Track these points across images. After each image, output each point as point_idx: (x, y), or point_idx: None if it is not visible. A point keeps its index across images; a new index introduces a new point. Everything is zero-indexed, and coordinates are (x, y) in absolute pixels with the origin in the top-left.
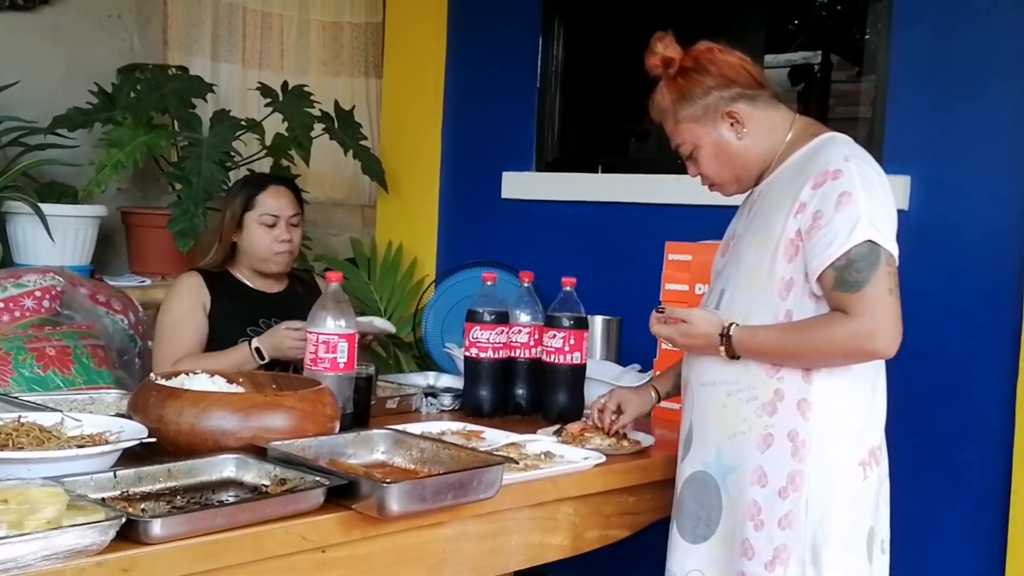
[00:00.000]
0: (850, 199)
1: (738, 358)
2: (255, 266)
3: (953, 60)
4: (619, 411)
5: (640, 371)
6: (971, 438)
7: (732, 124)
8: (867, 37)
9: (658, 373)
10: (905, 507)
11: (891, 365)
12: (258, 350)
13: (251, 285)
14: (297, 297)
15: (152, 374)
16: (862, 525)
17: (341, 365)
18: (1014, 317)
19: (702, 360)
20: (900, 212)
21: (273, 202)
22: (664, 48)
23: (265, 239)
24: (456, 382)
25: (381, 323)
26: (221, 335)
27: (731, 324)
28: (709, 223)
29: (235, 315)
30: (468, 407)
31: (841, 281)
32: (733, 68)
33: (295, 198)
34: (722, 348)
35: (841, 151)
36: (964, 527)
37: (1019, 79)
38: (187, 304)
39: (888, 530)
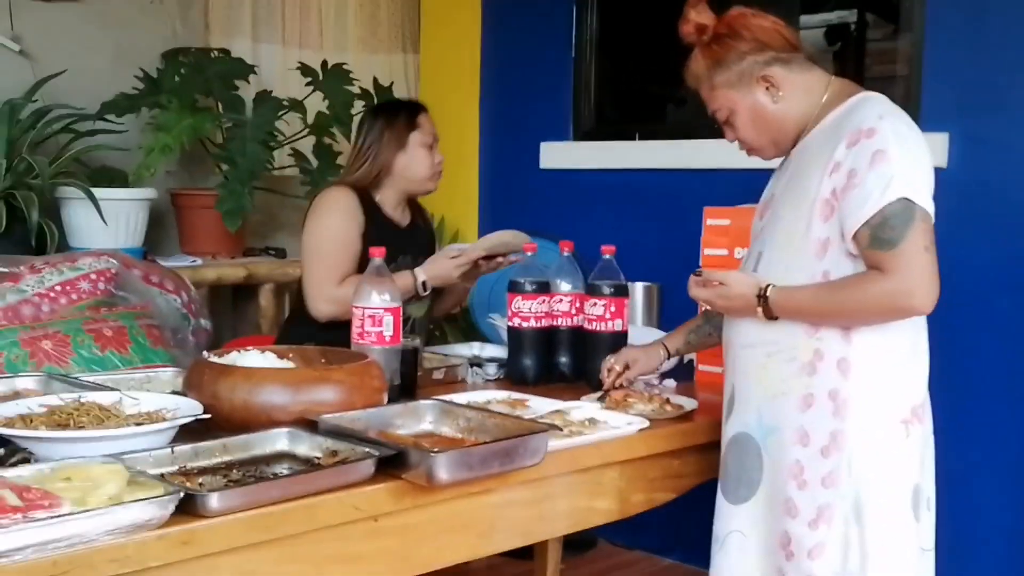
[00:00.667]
0: (884, 157)
1: (776, 319)
2: (410, 188)
3: (990, 14)
4: (627, 368)
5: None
6: (1015, 398)
7: (767, 88)
8: None
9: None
10: (948, 464)
11: (933, 323)
12: (423, 283)
13: (390, 215)
14: (419, 232)
15: (205, 352)
16: (907, 483)
17: (387, 338)
18: None
19: (742, 322)
20: (938, 170)
21: (430, 126)
22: (697, 14)
23: (427, 160)
24: (500, 352)
25: (513, 236)
26: (362, 261)
27: (768, 285)
28: (747, 187)
29: (377, 243)
30: (513, 376)
31: (876, 239)
32: (767, 32)
33: None
34: (760, 309)
35: (875, 110)
36: (1008, 484)
37: None
38: (346, 222)
39: (934, 488)
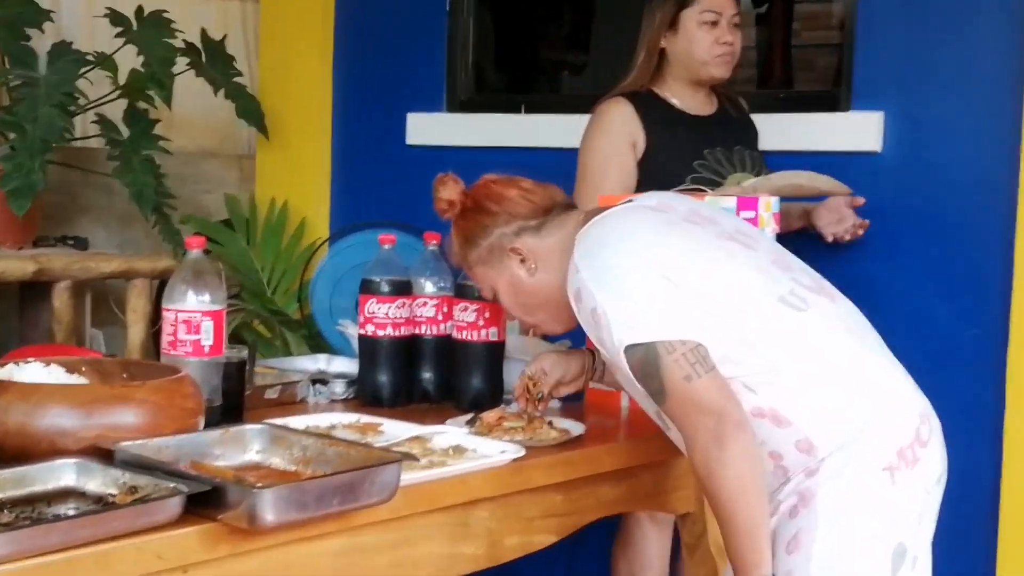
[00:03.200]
0: (597, 316)
1: None
2: (691, 74)
3: None
4: (543, 375)
5: (571, 348)
6: (954, 407)
7: (521, 260)
8: None
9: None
10: None
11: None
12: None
13: (684, 108)
14: (730, 121)
15: None
16: (888, 541)
17: (206, 348)
18: (1003, 270)
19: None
20: (871, 155)
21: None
22: (445, 190)
23: (706, 40)
24: (351, 366)
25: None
26: (662, 171)
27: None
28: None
29: (676, 146)
30: (364, 395)
31: (651, 394)
32: (512, 201)
33: None
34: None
35: (573, 265)
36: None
37: None
38: (613, 141)
39: (928, 547)
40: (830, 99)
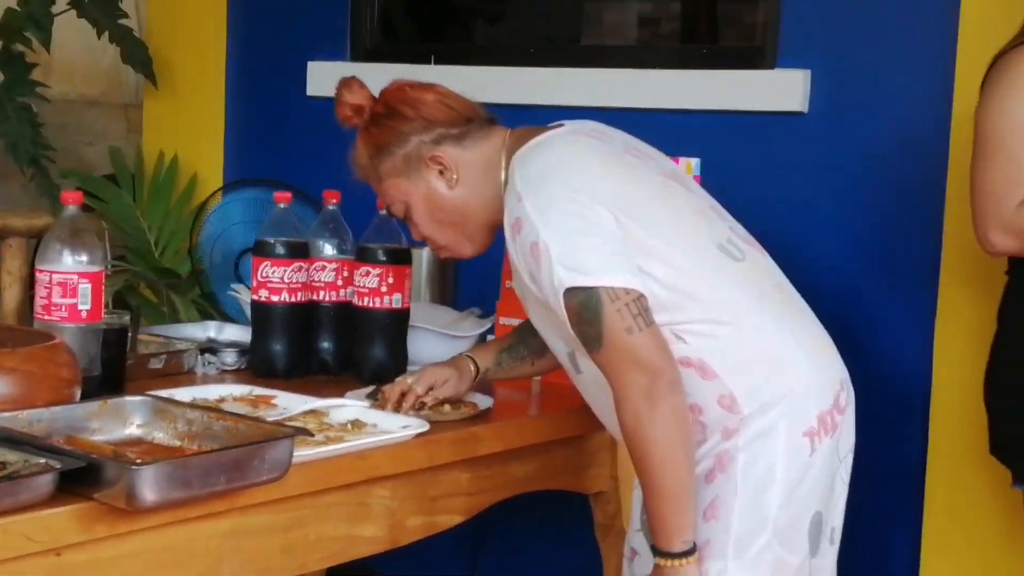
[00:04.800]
0: (537, 252)
1: (690, 551)
2: None
3: None
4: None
5: (480, 316)
6: (881, 379)
7: (441, 172)
8: None
9: (503, 327)
10: None
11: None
12: None
13: None
14: None
15: None
16: (807, 510)
17: (83, 314)
18: (932, 236)
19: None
20: (797, 116)
21: None
22: (351, 94)
23: None
24: (244, 334)
25: None
26: None
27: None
28: None
29: None
30: (257, 366)
31: (585, 341)
32: (431, 106)
33: None
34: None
35: (515, 190)
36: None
37: None
38: None
39: (842, 518)
40: (755, 55)
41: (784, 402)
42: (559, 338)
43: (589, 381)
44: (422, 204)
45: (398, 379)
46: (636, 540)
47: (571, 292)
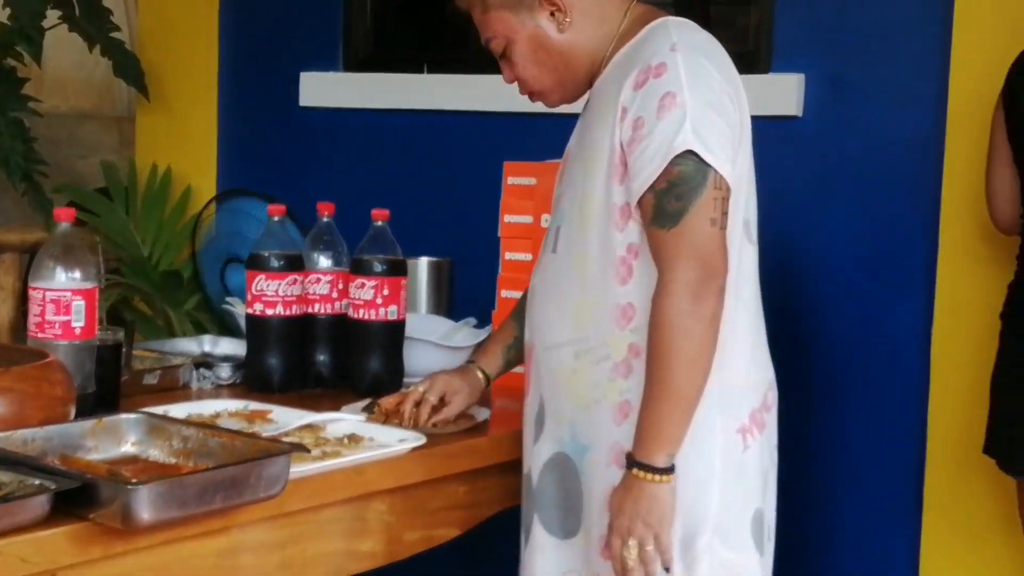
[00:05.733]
0: (674, 102)
1: (672, 466)
2: None
3: None
4: (443, 404)
5: (476, 327)
6: (878, 395)
7: (553, 13)
8: None
9: (483, 347)
10: (799, 486)
11: (779, 307)
12: None
13: None
14: None
15: None
16: (747, 508)
17: (77, 331)
18: (929, 239)
19: (544, 316)
20: (791, 120)
21: None
22: None
23: None
24: (239, 348)
25: None
26: None
27: (630, 457)
28: (562, 135)
29: None
30: (253, 380)
31: (660, 212)
32: None
33: None
34: (657, 477)
35: (668, 39)
36: (868, 509)
37: None
38: None
39: (774, 515)
40: (749, 59)
41: (724, 394)
42: (577, 202)
43: (552, 268)
44: (526, 43)
45: (408, 390)
46: None
47: (684, 157)
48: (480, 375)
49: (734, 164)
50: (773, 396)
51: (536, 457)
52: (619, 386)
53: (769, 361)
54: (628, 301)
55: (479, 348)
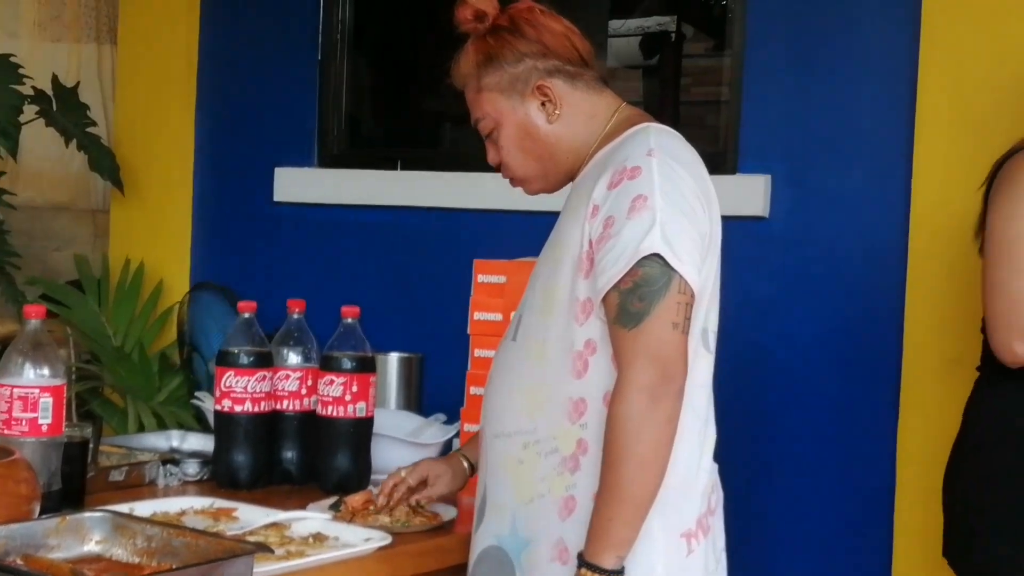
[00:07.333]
0: (645, 204)
1: (620, 572)
2: None
3: (819, 32)
4: (423, 487)
5: (445, 423)
6: (847, 493)
7: (544, 103)
8: (723, 2)
9: (467, 433)
10: None
11: (746, 407)
12: None
13: None
14: None
15: None
16: None
17: (44, 428)
18: (894, 342)
19: (496, 402)
20: (758, 220)
21: None
22: None
23: None
24: (207, 443)
25: None
26: None
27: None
28: (535, 234)
29: None
30: (220, 477)
31: (622, 311)
32: (555, 36)
33: None
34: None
35: (647, 144)
36: None
37: (897, 53)
38: None
39: None
40: (716, 160)
41: (670, 500)
42: (541, 292)
43: (510, 355)
44: (514, 128)
45: (392, 473)
46: None
47: (650, 259)
48: (465, 463)
49: (699, 272)
50: (717, 498)
51: (472, 549)
52: (566, 481)
53: (714, 465)
54: (581, 396)
55: (468, 442)
